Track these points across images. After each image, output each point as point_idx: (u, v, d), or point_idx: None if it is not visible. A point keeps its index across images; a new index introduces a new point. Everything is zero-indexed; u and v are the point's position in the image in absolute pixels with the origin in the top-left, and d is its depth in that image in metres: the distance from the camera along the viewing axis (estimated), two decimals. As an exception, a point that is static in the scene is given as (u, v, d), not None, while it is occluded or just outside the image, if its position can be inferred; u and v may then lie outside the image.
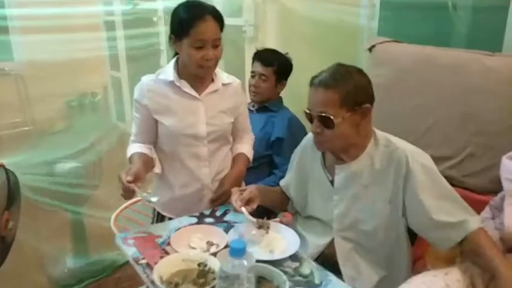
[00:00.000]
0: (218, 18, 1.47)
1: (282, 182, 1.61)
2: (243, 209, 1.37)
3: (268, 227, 1.36)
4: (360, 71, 1.31)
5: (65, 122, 3.83)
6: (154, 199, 1.37)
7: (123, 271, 2.51)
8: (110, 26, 3.80)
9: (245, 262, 0.86)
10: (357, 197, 1.34)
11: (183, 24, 1.44)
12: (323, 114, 1.27)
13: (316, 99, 1.29)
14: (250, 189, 1.44)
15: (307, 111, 1.32)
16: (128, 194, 1.36)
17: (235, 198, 1.40)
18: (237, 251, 0.86)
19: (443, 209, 1.22)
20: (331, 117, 1.26)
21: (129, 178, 1.33)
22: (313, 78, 1.31)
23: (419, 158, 1.27)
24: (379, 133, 1.37)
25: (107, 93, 4.28)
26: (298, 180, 1.53)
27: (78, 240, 2.63)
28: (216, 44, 1.47)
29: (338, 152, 1.36)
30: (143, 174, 1.41)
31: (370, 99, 1.30)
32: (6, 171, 2.04)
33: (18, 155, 2.43)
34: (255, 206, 1.41)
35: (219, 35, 1.48)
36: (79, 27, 3.23)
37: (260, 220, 1.36)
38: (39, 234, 2.45)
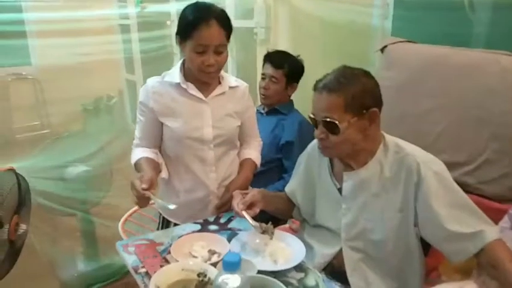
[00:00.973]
0: (224, 23, 1.41)
1: (287, 189, 1.55)
2: (244, 213, 1.32)
3: (272, 232, 1.31)
4: (366, 74, 1.25)
5: (81, 125, 3.87)
6: (171, 206, 1.32)
7: (132, 276, 2.49)
8: (125, 29, 3.83)
9: (239, 277, 0.81)
10: (365, 206, 1.28)
11: (187, 26, 1.41)
12: (327, 120, 1.21)
13: (320, 103, 1.24)
14: (253, 193, 1.38)
15: (312, 116, 1.27)
16: (143, 202, 1.32)
17: (237, 202, 1.35)
18: (231, 264, 0.81)
19: (458, 219, 1.15)
20: (336, 122, 1.20)
21: (144, 186, 1.29)
22: (318, 81, 1.26)
23: (431, 165, 1.20)
24: (389, 138, 1.30)
25: (123, 97, 4.32)
26: (305, 187, 1.48)
27: (88, 244, 2.63)
28: (219, 51, 1.42)
29: (345, 159, 1.30)
30: (156, 181, 1.37)
31: (378, 103, 1.24)
32: (17, 175, 2.05)
33: (33, 158, 2.45)
34: (257, 210, 1.35)
35: (224, 41, 1.43)
36: (94, 30, 3.26)
37: (264, 225, 1.30)
38: (50, 238, 2.46)
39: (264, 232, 1.29)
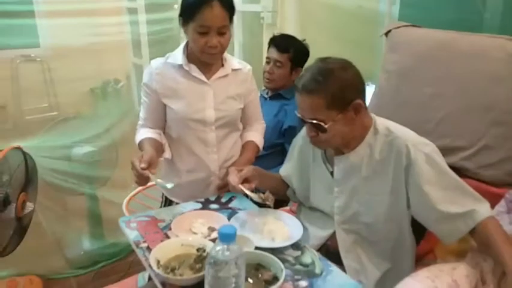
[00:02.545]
0: (226, 5, 1.42)
1: (282, 172, 1.58)
2: (241, 186, 1.35)
3: (272, 199, 1.35)
4: (343, 66, 1.23)
5: (89, 108, 3.91)
6: (169, 186, 1.36)
7: (136, 255, 2.55)
8: (132, 11, 3.83)
9: (234, 248, 0.83)
10: (356, 189, 1.30)
11: (189, 7, 1.41)
12: (314, 121, 1.22)
13: (303, 105, 1.25)
14: (248, 169, 1.42)
15: (298, 115, 1.28)
16: (142, 181, 1.36)
17: (233, 177, 1.38)
18: (227, 236, 0.84)
19: (450, 200, 1.16)
20: (322, 123, 1.21)
21: (143, 165, 1.32)
22: (298, 80, 1.25)
23: (421, 148, 1.20)
24: (380, 121, 1.31)
25: (130, 80, 4.34)
26: (300, 170, 1.50)
27: (94, 223, 2.69)
28: (222, 32, 1.43)
29: (339, 147, 1.32)
30: (156, 161, 1.40)
31: (360, 92, 1.23)
32: (24, 153, 2.10)
33: (40, 138, 2.49)
34: (253, 185, 1.39)
35: (226, 22, 1.43)
36: (103, 11, 3.26)
37: (262, 194, 1.34)
38: (57, 217, 2.51)
39: (264, 201, 1.32)
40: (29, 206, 2.14)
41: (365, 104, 1.25)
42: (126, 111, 3.71)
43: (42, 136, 2.47)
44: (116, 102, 4.07)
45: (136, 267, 2.45)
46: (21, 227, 2.09)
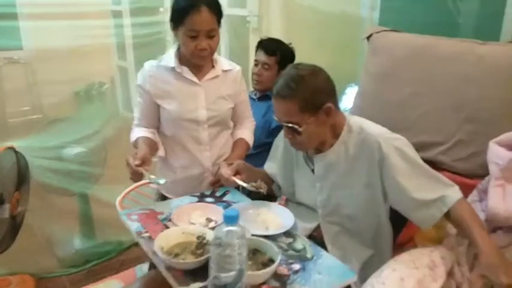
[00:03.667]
0: (214, 8, 1.50)
1: (267, 169, 1.68)
2: (234, 178, 1.45)
3: (265, 187, 1.45)
4: (314, 72, 1.32)
5: (73, 111, 3.91)
6: (162, 181, 1.43)
7: (127, 253, 2.62)
8: (117, 15, 3.85)
9: (237, 229, 0.92)
10: (335, 184, 1.41)
11: (179, 13, 1.50)
12: (289, 125, 1.33)
13: (278, 109, 1.35)
14: (238, 162, 1.52)
15: (276, 119, 1.38)
16: (137, 177, 1.44)
17: (225, 170, 1.48)
18: (231, 218, 0.92)
19: (422, 187, 1.26)
20: (296, 126, 1.31)
21: (137, 162, 1.40)
22: (273, 86, 1.35)
23: (392, 142, 1.30)
24: (354, 120, 1.41)
25: (114, 83, 4.35)
26: (285, 169, 1.59)
27: (85, 222, 2.72)
28: (211, 35, 1.51)
29: (317, 147, 1.42)
30: (150, 158, 1.48)
31: (330, 95, 1.33)
32: (16, 153, 2.13)
33: (30, 139, 2.51)
34: (244, 177, 1.49)
35: (215, 25, 1.51)
36: (87, 15, 3.28)
37: (253, 183, 1.44)
38: (48, 216, 2.54)
39: (257, 188, 1.42)
40: (22, 205, 2.17)
41: (336, 105, 1.36)
42: (111, 113, 3.73)
43: (32, 138, 2.49)
44: (101, 105, 4.08)
45: (128, 265, 2.50)
46: (15, 225, 2.12)
